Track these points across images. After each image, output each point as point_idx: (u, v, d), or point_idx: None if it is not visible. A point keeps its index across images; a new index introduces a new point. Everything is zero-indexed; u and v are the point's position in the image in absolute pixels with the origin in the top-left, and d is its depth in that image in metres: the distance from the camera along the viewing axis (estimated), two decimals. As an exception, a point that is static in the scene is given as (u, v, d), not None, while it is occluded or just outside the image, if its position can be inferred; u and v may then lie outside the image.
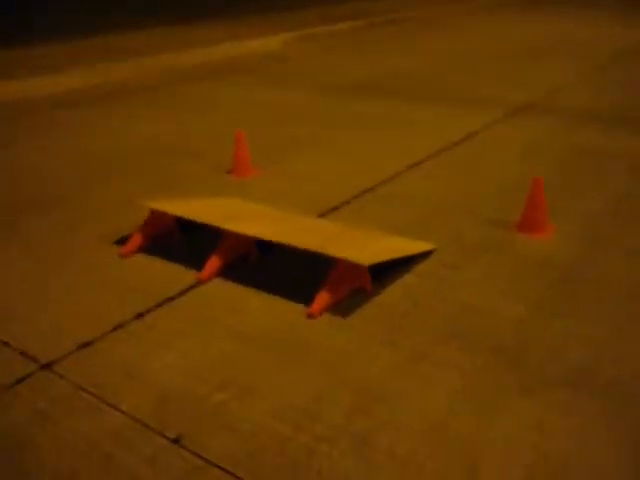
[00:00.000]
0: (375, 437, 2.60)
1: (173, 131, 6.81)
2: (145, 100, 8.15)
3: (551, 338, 3.27)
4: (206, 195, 5.13)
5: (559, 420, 2.67)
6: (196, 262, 4.04)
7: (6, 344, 3.28)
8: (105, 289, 3.81)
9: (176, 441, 2.59)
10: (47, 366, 3.10)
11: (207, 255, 4.08)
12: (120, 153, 6.15)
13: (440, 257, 4.17)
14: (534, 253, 4.19)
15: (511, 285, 3.80)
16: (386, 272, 3.93)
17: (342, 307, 3.60)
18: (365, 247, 3.93)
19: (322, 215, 4.79)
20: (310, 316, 3.51)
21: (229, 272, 3.96)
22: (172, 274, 3.97)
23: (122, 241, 4.38)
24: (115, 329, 3.41)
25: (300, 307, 3.61)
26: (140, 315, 3.54)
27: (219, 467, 2.45)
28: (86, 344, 3.29)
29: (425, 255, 4.18)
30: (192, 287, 3.82)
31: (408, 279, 3.91)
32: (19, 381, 2.99)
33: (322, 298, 3.55)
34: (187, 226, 4.54)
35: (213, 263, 3.91)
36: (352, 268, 3.67)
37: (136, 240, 4.24)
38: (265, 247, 4.20)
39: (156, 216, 4.33)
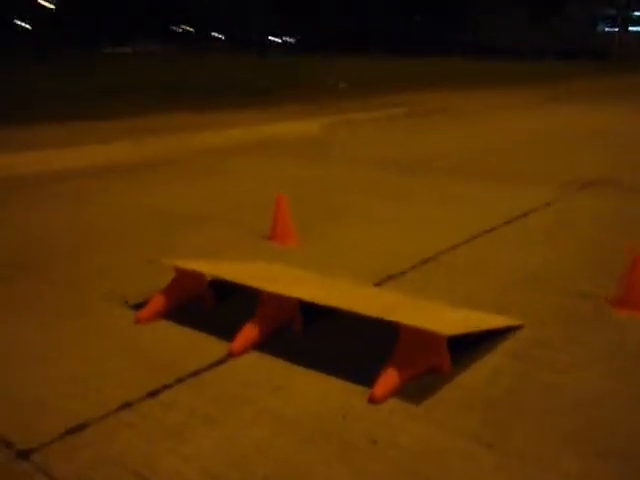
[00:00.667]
0: None
1: (202, 200, 6.23)
2: (175, 172, 7.67)
3: None
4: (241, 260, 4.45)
5: None
6: (227, 333, 3.25)
7: (-22, 424, 2.52)
8: (111, 359, 3.06)
9: None
10: (23, 454, 2.31)
11: (241, 325, 3.32)
12: (142, 221, 5.55)
13: (529, 335, 3.36)
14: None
15: (622, 369, 2.97)
16: (464, 351, 3.12)
17: (413, 390, 2.79)
18: (438, 318, 3.16)
19: (377, 285, 4.05)
20: (373, 400, 2.70)
21: (267, 345, 3.20)
22: (198, 345, 3.22)
23: (140, 306, 3.66)
24: (119, 409, 2.63)
25: (359, 389, 2.81)
26: (154, 393, 2.77)
27: None
28: (78, 427, 2.51)
29: (509, 332, 3.37)
30: (221, 361, 3.05)
31: (494, 359, 3.09)
32: (-16, 474, 2.22)
33: (388, 378, 2.75)
34: (220, 291, 3.82)
35: (248, 332, 3.15)
36: (426, 340, 2.88)
37: (156, 303, 3.52)
38: (311, 315, 3.44)
39: (183, 277, 3.63)
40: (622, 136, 11.03)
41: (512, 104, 15.78)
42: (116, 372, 2.94)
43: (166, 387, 2.80)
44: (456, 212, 5.84)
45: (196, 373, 2.93)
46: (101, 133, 9.31)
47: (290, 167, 7.99)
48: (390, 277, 4.17)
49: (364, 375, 2.88)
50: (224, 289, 3.88)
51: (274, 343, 3.22)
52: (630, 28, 56.16)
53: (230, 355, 3.08)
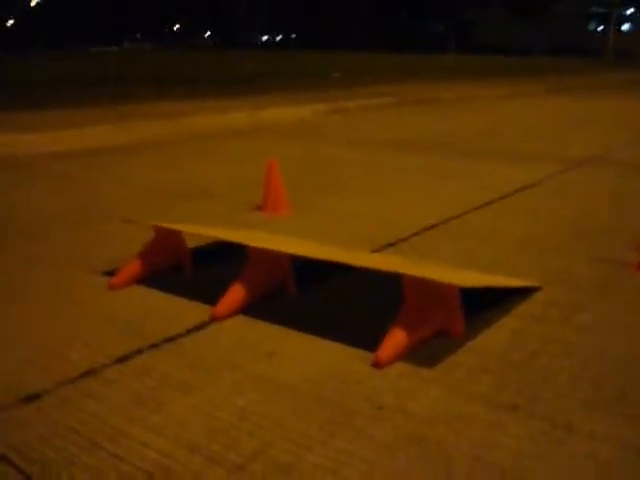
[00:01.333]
0: None
1: (192, 178, 5.85)
2: (165, 154, 7.27)
3: None
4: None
5: None
6: (210, 299, 2.88)
7: None
8: (78, 325, 2.69)
9: None
10: (-37, 424, 1.94)
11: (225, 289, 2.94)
12: (127, 197, 5.15)
13: (546, 297, 3.01)
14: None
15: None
16: (477, 315, 2.76)
17: (422, 355, 2.43)
18: (448, 275, 2.80)
19: (376, 252, 3.69)
20: (377, 364, 2.34)
21: (255, 308, 2.83)
22: (176, 310, 2.85)
23: (113, 273, 3.28)
24: (81, 377, 2.26)
25: (361, 353, 2.45)
26: (123, 359, 2.40)
27: None
28: (32, 397, 2.13)
29: (525, 295, 3.02)
30: (203, 326, 2.69)
31: (511, 322, 2.74)
32: None
33: (394, 339, 2.39)
34: (201, 258, 3.45)
35: (233, 295, 2.78)
36: (436, 296, 2.52)
37: (131, 268, 3.14)
38: (305, 277, 3.07)
39: (160, 239, 3.26)
40: (611, 121, 10.76)
41: (502, 95, 15.48)
42: (82, 338, 2.56)
43: (138, 353, 2.43)
44: (457, 186, 5.48)
45: (173, 338, 2.56)
46: (87, 118, 8.91)
47: (283, 148, 7.61)
48: (390, 245, 3.81)
49: (366, 340, 2.52)
50: (206, 256, 3.52)
51: (263, 306, 2.85)
52: (623, 27, 56.28)
53: (213, 319, 2.72)
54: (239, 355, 2.43)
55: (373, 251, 3.66)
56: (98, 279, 3.22)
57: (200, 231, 3.31)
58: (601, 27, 56.87)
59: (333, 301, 2.94)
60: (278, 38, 65.99)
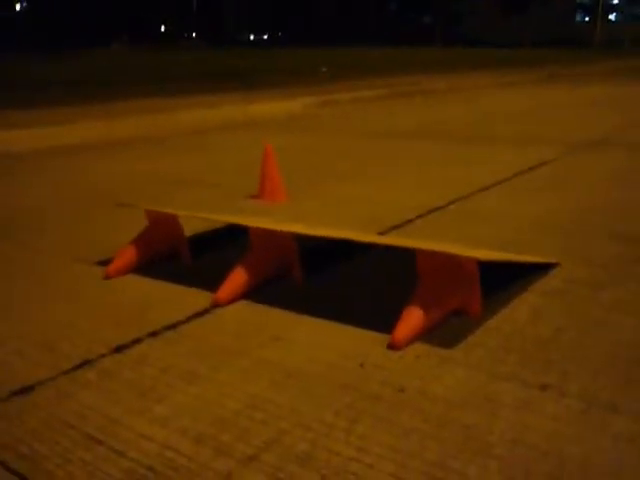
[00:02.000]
0: None
1: (188, 168, 5.65)
2: (160, 147, 7.06)
3: None
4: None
5: None
6: (210, 285, 2.71)
7: None
8: (73, 315, 2.51)
9: None
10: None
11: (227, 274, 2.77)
12: (122, 188, 4.96)
13: (565, 274, 2.86)
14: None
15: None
16: (492, 291, 2.61)
17: (440, 335, 2.28)
18: (463, 250, 2.64)
19: (381, 234, 3.53)
20: (393, 346, 2.18)
21: (260, 293, 2.67)
22: (176, 297, 2.68)
23: (109, 262, 3.10)
24: (76, 368, 2.09)
25: (376, 335, 2.29)
26: (121, 348, 2.23)
27: None
28: (25, 389, 1.96)
29: (542, 272, 2.87)
30: (204, 312, 2.52)
31: (532, 299, 2.59)
32: None
33: (410, 319, 2.23)
34: (200, 244, 3.29)
35: (236, 279, 2.62)
36: (453, 274, 2.37)
37: (126, 256, 2.97)
38: (312, 260, 2.91)
39: (155, 225, 3.09)
40: (606, 107, 10.66)
41: (494, 85, 15.34)
42: (77, 328, 2.39)
43: (136, 342, 2.26)
44: (459, 171, 5.32)
45: (173, 326, 2.39)
46: (80, 114, 8.70)
47: (276, 140, 7.43)
48: (395, 227, 3.65)
49: (379, 322, 2.36)
50: (204, 242, 3.36)
51: (267, 291, 2.68)
52: (610, 16, 56.39)
53: (215, 305, 2.55)
54: (244, 341, 2.27)
55: (379, 233, 3.50)
56: (93, 268, 3.05)
57: (196, 215, 3.14)
58: (587, 18, 56.93)
59: (340, 284, 2.78)
60: (265, 36, 65.76)
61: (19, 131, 7.15)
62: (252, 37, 67.36)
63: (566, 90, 13.91)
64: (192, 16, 53.94)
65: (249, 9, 56.67)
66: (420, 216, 3.86)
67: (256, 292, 2.65)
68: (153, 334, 2.33)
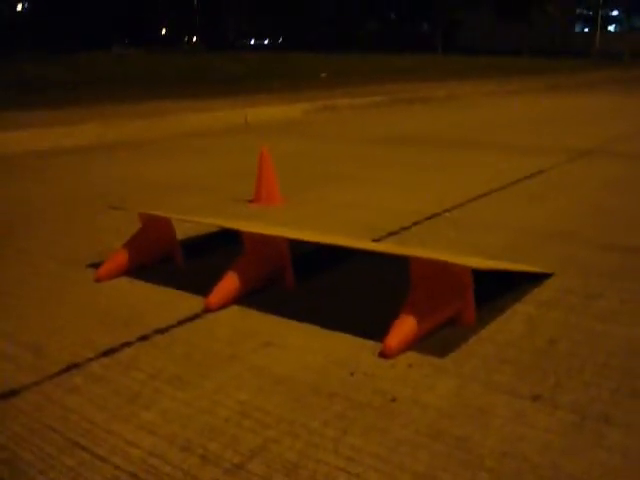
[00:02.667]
0: None
1: (184, 172, 5.63)
2: (158, 150, 7.03)
3: None
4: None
5: None
6: (202, 289, 2.68)
7: None
8: (61, 318, 2.48)
9: None
10: None
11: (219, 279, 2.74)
12: (116, 190, 4.92)
13: (559, 284, 2.84)
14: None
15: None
16: (486, 300, 2.58)
17: (433, 344, 2.25)
18: (458, 259, 2.62)
19: (376, 241, 3.51)
20: (385, 353, 2.16)
21: (252, 299, 2.64)
22: (166, 301, 2.65)
23: (99, 265, 3.07)
24: (62, 372, 2.06)
25: (367, 343, 2.26)
26: (109, 352, 2.20)
27: None
28: (8, 394, 1.93)
29: (537, 282, 2.85)
30: (195, 317, 2.49)
31: (526, 309, 2.56)
32: None
33: (403, 326, 2.21)
34: (193, 248, 3.26)
35: (227, 284, 2.59)
36: (447, 282, 2.34)
37: (118, 259, 2.94)
38: (304, 267, 2.88)
39: (148, 228, 3.06)
40: (604, 116, 10.67)
41: (493, 93, 15.36)
42: (65, 331, 2.36)
43: (125, 345, 2.24)
44: (456, 177, 5.31)
45: (164, 330, 2.37)
46: (78, 117, 8.68)
47: (274, 144, 7.41)
48: (391, 233, 3.63)
49: (371, 329, 2.34)
50: (197, 246, 3.33)
51: (259, 297, 2.65)
52: (609, 28, 56.60)
53: (206, 310, 2.52)
54: (235, 346, 2.24)
55: (374, 240, 3.48)
56: (84, 271, 3.02)
57: (190, 219, 3.11)
58: (586, 29, 57.14)
59: (333, 291, 2.76)
60: (266, 41, 65.91)
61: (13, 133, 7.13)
62: (252, 42, 67.52)
63: (562, 99, 13.94)
64: (193, 20, 54.04)
65: (250, 14, 56.80)
66: (416, 223, 3.84)
67: (248, 297, 2.63)
68: (143, 338, 2.30)
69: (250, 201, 4.40)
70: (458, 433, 1.73)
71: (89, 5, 46.64)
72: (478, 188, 4.76)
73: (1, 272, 3.04)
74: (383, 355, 2.16)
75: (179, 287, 2.78)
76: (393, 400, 1.89)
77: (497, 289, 2.73)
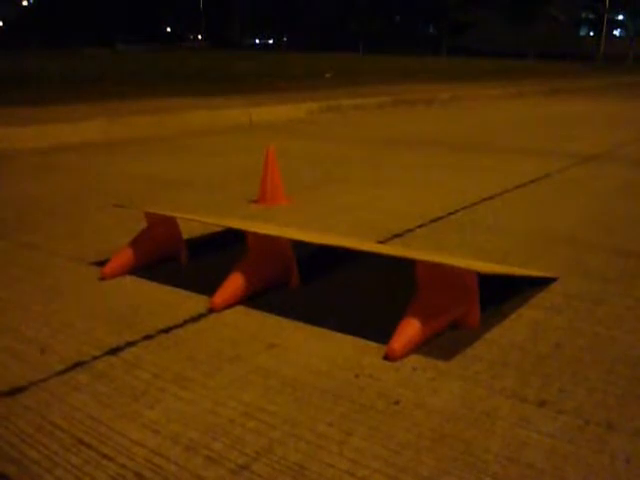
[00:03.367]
0: None
1: (188, 170, 5.63)
2: (162, 148, 7.05)
3: None
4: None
5: None
6: (207, 289, 2.69)
7: None
8: (66, 316, 2.48)
9: None
10: None
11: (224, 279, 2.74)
12: (120, 188, 4.93)
13: (564, 289, 2.84)
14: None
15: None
16: (490, 304, 2.59)
17: (437, 347, 2.25)
18: (463, 263, 2.62)
19: (381, 243, 3.51)
20: (390, 356, 2.16)
21: (257, 300, 2.64)
22: (172, 300, 2.65)
23: (105, 263, 3.07)
24: (67, 370, 2.06)
25: (372, 345, 2.27)
26: (114, 351, 2.20)
27: None
28: (13, 391, 1.94)
29: (542, 286, 2.85)
30: (200, 317, 2.49)
31: (531, 313, 2.56)
32: None
33: (407, 329, 2.21)
34: (198, 247, 3.27)
35: (232, 284, 2.59)
36: (452, 285, 2.35)
37: (123, 257, 2.95)
38: (309, 268, 2.89)
39: (153, 227, 3.06)
40: (607, 121, 10.66)
41: (497, 96, 15.35)
42: (70, 329, 2.36)
43: (130, 344, 2.24)
44: (461, 180, 5.31)
45: (168, 330, 2.37)
46: (81, 114, 8.69)
47: (278, 144, 7.41)
48: (396, 235, 3.63)
49: (375, 332, 2.35)
50: (202, 246, 3.34)
51: (265, 297, 2.66)
52: (614, 32, 56.53)
53: (211, 311, 2.52)
54: (240, 347, 2.24)
55: (379, 242, 3.48)
56: (89, 269, 3.02)
57: (196, 218, 3.12)
58: (592, 33, 57.10)
59: (338, 293, 2.76)
60: (270, 41, 65.96)
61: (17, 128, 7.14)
62: (257, 41, 67.56)
63: (568, 102, 13.93)
64: (199, 18, 54.07)
65: (255, 14, 56.83)
66: (421, 225, 3.84)
67: (252, 298, 2.63)
68: (148, 337, 2.30)
69: (255, 201, 4.40)
70: (462, 437, 1.73)
71: (94, 2, 46.68)
72: (483, 191, 4.77)
73: (6, 269, 3.04)
74: (387, 358, 2.16)
75: (184, 286, 2.79)
76: (397, 403, 1.89)
77: (502, 293, 2.73)
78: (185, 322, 2.43)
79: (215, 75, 17.05)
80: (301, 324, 2.43)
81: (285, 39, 62.36)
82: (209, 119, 9.40)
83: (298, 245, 2.80)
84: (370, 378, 2.04)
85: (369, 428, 1.76)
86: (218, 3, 55.10)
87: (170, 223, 3.08)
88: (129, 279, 2.88)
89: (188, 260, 3.11)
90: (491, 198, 4.59)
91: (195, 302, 2.61)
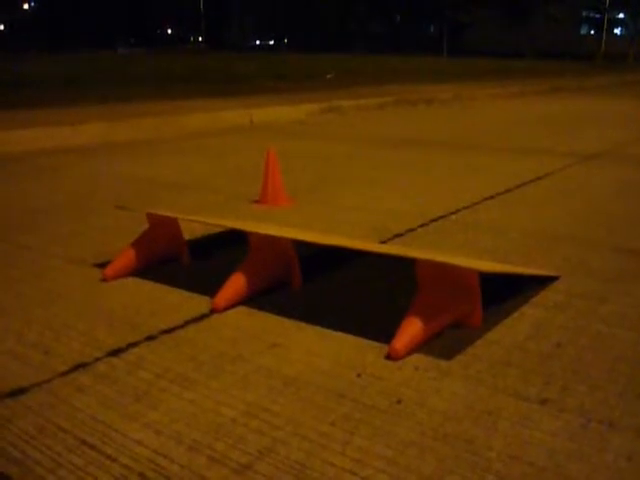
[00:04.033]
0: None
1: (189, 171, 5.64)
2: (162, 149, 7.05)
3: None
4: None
5: None
6: (209, 290, 2.70)
7: None
8: (67, 317, 2.49)
9: None
10: None
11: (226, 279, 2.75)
12: (121, 190, 4.94)
13: (567, 287, 2.83)
14: None
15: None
16: (492, 303, 2.59)
17: (439, 347, 2.25)
18: (465, 261, 2.62)
19: (383, 242, 3.51)
20: (392, 356, 2.16)
21: (258, 300, 2.65)
22: (173, 301, 2.66)
23: (106, 265, 3.08)
24: (70, 371, 2.07)
25: (374, 345, 2.27)
26: (116, 352, 2.21)
27: None
28: (15, 392, 1.94)
29: (543, 285, 2.85)
30: (202, 317, 2.50)
31: (531, 312, 2.56)
32: None
33: (410, 329, 2.21)
34: (200, 248, 3.27)
35: (234, 284, 2.60)
36: (454, 284, 2.35)
37: (124, 258, 2.95)
38: (311, 267, 2.89)
39: (156, 228, 3.07)
40: (609, 120, 10.65)
41: (498, 95, 15.34)
42: (72, 330, 2.37)
43: (132, 345, 2.24)
44: (463, 180, 5.31)
45: (171, 330, 2.37)
46: (82, 116, 8.70)
47: (279, 145, 7.43)
48: (398, 235, 3.64)
49: (377, 331, 2.35)
50: (204, 246, 3.34)
51: (266, 298, 2.66)
52: (615, 30, 56.50)
53: (213, 311, 2.53)
54: (242, 347, 2.24)
55: (381, 242, 3.48)
56: (91, 270, 3.03)
57: (197, 219, 3.12)
58: (592, 31, 57.06)
59: (339, 292, 2.76)
60: (271, 42, 66.04)
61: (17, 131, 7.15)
62: (258, 42, 67.63)
63: (568, 102, 13.92)
64: (199, 20, 54.14)
65: (255, 15, 56.90)
66: (422, 225, 3.84)
67: (254, 298, 2.63)
68: (150, 338, 2.30)
69: (256, 201, 4.41)
70: (465, 436, 1.73)
71: (95, 5, 46.75)
72: (485, 190, 4.77)
73: (7, 271, 3.05)
74: (389, 357, 2.16)
75: (186, 287, 2.79)
76: (399, 402, 1.89)
77: (504, 292, 2.73)
78: (187, 323, 2.44)
79: (215, 76, 17.06)
80: (303, 324, 2.43)
81: (285, 40, 62.40)
82: (210, 121, 9.40)
83: (300, 245, 2.80)
84: (372, 377, 2.04)
85: (372, 427, 1.77)
86: (218, 5, 55.16)
87: (172, 224, 3.08)
88: (131, 280, 2.88)
89: (190, 261, 3.12)
90: (492, 197, 4.59)
91: (197, 303, 2.62)
